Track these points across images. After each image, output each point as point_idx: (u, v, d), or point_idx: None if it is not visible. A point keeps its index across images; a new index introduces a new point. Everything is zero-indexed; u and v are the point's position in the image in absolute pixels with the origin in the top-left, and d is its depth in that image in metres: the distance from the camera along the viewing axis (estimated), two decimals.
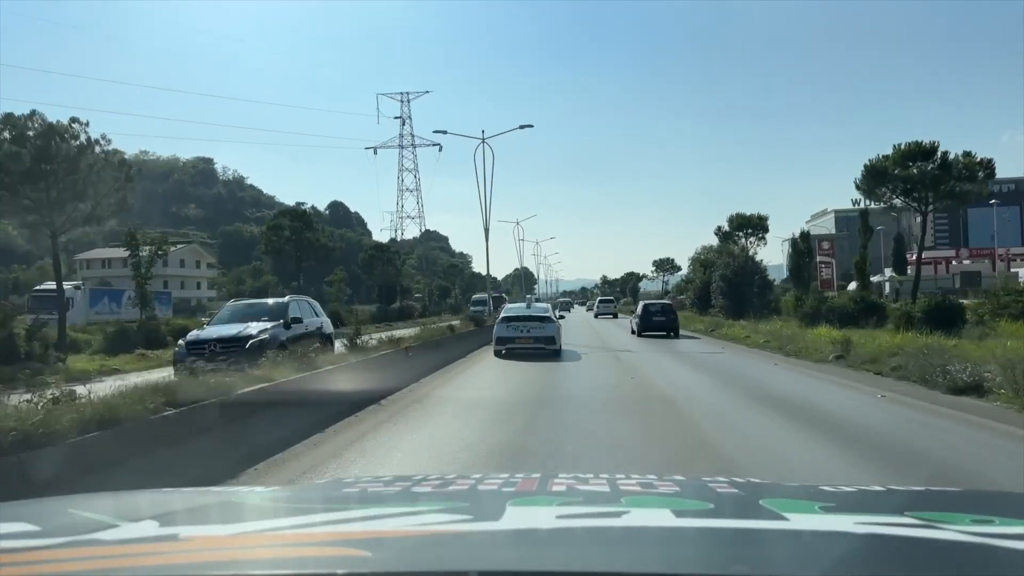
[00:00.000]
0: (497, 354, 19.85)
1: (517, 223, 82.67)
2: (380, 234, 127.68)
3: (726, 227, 49.94)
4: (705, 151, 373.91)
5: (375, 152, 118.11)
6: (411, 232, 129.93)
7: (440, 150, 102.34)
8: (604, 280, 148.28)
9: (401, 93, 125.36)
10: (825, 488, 1.78)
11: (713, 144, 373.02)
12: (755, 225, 49.38)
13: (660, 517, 1.38)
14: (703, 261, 49.49)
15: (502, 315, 21.92)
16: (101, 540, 1.25)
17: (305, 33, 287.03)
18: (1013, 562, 1.14)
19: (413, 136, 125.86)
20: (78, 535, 1.28)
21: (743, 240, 48.78)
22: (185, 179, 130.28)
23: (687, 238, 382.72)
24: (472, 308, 48.39)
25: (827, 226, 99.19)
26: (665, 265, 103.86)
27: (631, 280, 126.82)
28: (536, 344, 19.64)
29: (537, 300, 45.75)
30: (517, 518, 1.35)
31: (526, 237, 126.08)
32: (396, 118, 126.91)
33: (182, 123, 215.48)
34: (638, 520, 1.38)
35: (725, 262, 41.72)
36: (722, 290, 40.57)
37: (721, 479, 1.85)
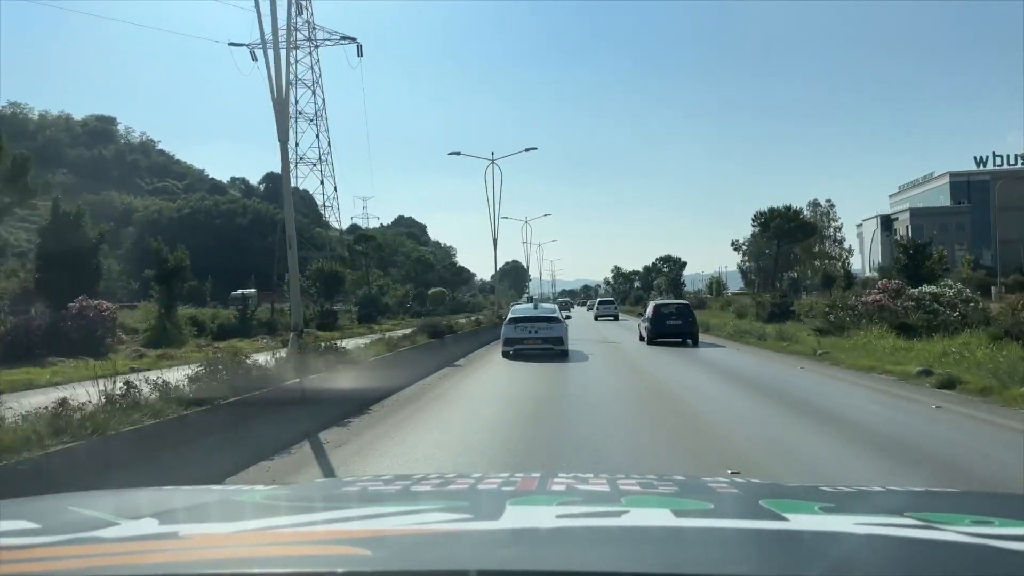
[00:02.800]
0: (505, 355, 20.08)
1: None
2: (345, 219, 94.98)
3: None
4: (709, 148, 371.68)
5: (253, 56, 51.81)
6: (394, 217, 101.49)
7: (360, 54, 65.08)
8: (617, 272, 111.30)
9: None
10: (825, 488, 1.78)
11: (716, 141, 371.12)
12: None
13: (660, 517, 1.38)
14: None
15: (509, 316, 22.50)
16: (101, 538, 1.26)
17: None
18: (1013, 563, 1.13)
19: (312, 27, 66.75)
20: (78, 533, 1.28)
21: None
22: (63, 139, 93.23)
23: (694, 238, 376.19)
24: None
25: (933, 198, 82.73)
26: (773, 215, 48.67)
27: (672, 267, 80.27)
28: (544, 345, 20.15)
29: (534, 300, 43.54)
30: (517, 517, 1.35)
31: (521, 229, 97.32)
32: None
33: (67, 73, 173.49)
34: (638, 520, 1.38)
35: None
36: None
37: (721, 479, 1.85)
